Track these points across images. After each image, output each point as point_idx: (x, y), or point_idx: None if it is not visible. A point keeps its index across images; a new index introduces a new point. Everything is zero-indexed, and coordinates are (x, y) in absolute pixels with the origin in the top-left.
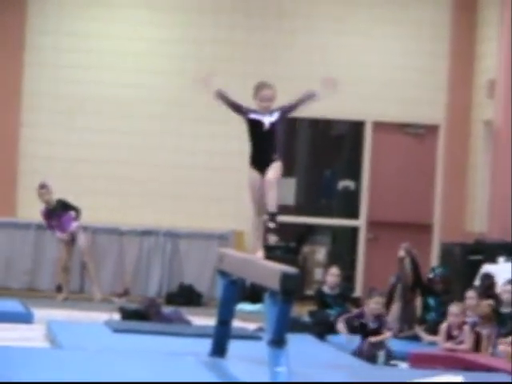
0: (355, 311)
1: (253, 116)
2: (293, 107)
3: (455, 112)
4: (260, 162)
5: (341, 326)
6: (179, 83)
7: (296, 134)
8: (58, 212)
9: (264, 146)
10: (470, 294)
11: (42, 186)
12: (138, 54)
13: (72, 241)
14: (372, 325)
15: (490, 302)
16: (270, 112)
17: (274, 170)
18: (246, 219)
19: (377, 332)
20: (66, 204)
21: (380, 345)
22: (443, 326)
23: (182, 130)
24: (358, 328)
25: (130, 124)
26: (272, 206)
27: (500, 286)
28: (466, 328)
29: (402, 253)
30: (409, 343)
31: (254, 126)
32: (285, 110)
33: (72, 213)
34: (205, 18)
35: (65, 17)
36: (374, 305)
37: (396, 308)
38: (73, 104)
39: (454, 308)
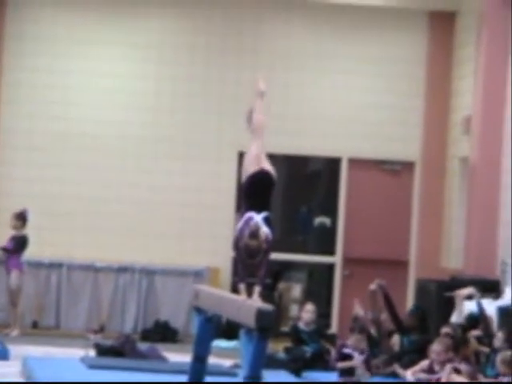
0: (424, 363)
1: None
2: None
3: (431, 149)
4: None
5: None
6: (154, 120)
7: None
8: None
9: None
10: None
11: (16, 214)
12: (114, 91)
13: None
14: (358, 357)
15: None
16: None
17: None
18: (221, 256)
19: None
20: (22, 240)
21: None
22: (425, 362)
23: (158, 167)
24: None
25: (105, 160)
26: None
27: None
28: (448, 367)
29: (373, 286)
30: (387, 380)
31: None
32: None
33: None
34: (180, 55)
35: (41, 54)
36: (356, 341)
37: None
38: (49, 141)
39: (436, 346)
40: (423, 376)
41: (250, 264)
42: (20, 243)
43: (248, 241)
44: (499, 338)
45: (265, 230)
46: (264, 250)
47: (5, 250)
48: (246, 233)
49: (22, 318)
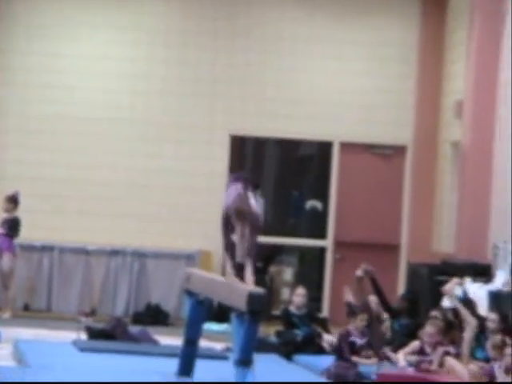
0: (342, 332)
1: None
2: None
3: (422, 133)
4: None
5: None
6: (146, 103)
7: (264, 154)
8: (6, 226)
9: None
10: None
11: (8, 197)
12: (106, 74)
13: None
14: (360, 341)
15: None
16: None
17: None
18: (213, 239)
19: (364, 348)
20: (15, 223)
21: (350, 366)
22: (415, 344)
23: (149, 150)
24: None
25: (97, 144)
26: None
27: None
28: (440, 350)
29: (359, 272)
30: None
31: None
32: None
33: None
34: (172, 39)
35: (34, 37)
36: (360, 322)
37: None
38: (41, 124)
39: (429, 328)
40: (414, 358)
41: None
42: (12, 226)
43: (238, 204)
44: (493, 319)
45: (253, 202)
46: (253, 220)
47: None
48: (235, 199)
49: (14, 301)
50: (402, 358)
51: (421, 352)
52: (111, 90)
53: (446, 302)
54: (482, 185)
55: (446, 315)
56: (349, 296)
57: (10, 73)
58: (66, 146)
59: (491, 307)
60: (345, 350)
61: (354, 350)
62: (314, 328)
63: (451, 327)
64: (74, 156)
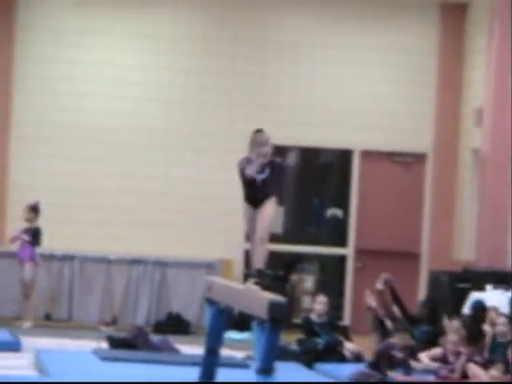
0: (384, 345)
1: (247, 174)
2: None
3: (443, 140)
4: (253, 201)
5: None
6: (166, 111)
7: (284, 162)
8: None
9: (257, 194)
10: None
11: (30, 206)
12: (124, 82)
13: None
14: (399, 355)
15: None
16: (263, 169)
17: (266, 217)
18: (234, 248)
19: (404, 361)
20: (37, 234)
21: (373, 374)
22: (438, 350)
23: (170, 158)
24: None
25: (118, 152)
26: (259, 262)
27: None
28: (463, 358)
29: (379, 285)
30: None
31: (247, 182)
32: (274, 168)
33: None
34: (192, 47)
35: (51, 45)
36: (403, 339)
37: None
38: (61, 132)
39: (452, 336)
40: (435, 365)
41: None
42: (34, 235)
43: (261, 148)
44: (502, 322)
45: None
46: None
47: (24, 240)
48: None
49: (35, 311)
50: (425, 359)
51: (443, 359)
52: (130, 98)
53: (467, 310)
54: (502, 192)
55: (468, 323)
56: (371, 300)
57: (25, 81)
58: (86, 155)
59: None
60: (382, 365)
61: (392, 363)
62: (336, 336)
63: (475, 336)
64: (95, 165)
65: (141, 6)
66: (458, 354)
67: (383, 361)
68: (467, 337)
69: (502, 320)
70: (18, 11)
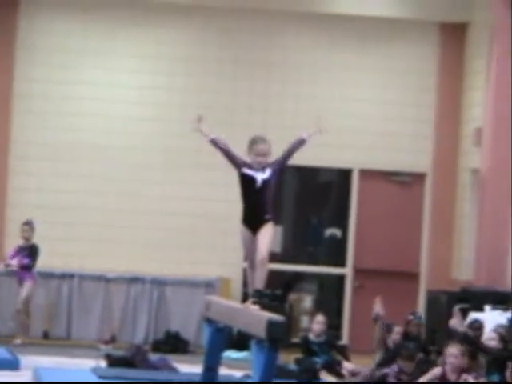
0: (436, 371)
1: (246, 171)
2: (285, 158)
3: (442, 160)
4: (252, 220)
5: None
6: (166, 131)
7: (283, 181)
8: (25, 254)
9: (256, 203)
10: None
11: (27, 223)
12: (126, 102)
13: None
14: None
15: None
16: (263, 168)
17: (266, 238)
18: (232, 266)
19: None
20: (35, 251)
21: None
22: (437, 370)
23: (169, 177)
24: None
25: (116, 171)
26: (259, 283)
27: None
28: (464, 376)
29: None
30: None
31: (247, 182)
32: (277, 164)
33: (29, 260)
34: (192, 67)
35: (53, 64)
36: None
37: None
38: (59, 151)
39: (453, 349)
40: None
41: (254, 192)
42: (32, 253)
43: (259, 145)
44: (493, 337)
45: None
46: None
47: (25, 267)
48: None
49: (28, 328)
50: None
51: (442, 378)
52: (127, 117)
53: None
54: (501, 212)
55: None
56: (379, 308)
57: (24, 100)
58: (85, 173)
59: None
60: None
61: None
62: (334, 355)
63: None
64: (92, 183)
65: (141, 27)
66: (459, 371)
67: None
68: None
69: (493, 335)
70: (18, 32)
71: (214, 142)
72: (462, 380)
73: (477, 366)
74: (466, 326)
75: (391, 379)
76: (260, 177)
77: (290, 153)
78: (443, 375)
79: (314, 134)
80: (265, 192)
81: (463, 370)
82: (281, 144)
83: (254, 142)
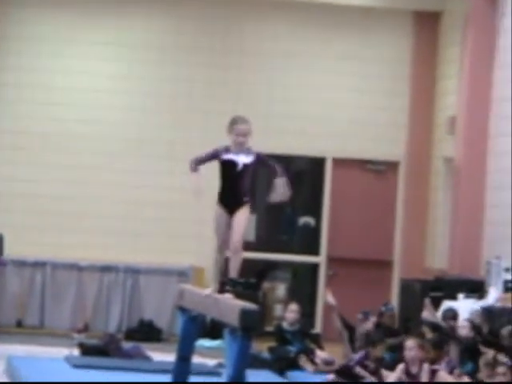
0: (359, 355)
1: (226, 157)
2: (262, 162)
3: (415, 149)
4: (229, 201)
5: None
6: (140, 120)
7: (256, 169)
8: None
9: (234, 185)
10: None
11: None
12: (99, 91)
13: None
14: (371, 365)
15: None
16: (247, 152)
17: (241, 225)
18: (205, 255)
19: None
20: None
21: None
22: (400, 366)
23: (142, 167)
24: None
25: (90, 160)
26: (234, 272)
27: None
28: (426, 366)
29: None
30: None
31: (227, 166)
32: (260, 159)
33: None
34: (165, 55)
35: (26, 53)
36: (379, 351)
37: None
38: (33, 140)
39: (409, 342)
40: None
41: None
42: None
43: (240, 125)
44: (464, 325)
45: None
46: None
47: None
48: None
49: (5, 317)
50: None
51: (406, 372)
52: (104, 106)
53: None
54: (474, 201)
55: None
56: (330, 299)
57: (1, 89)
58: (58, 162)
59: (484, 323)
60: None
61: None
62: (307, 344)
63: (442, 343)
64: (66, 172)
65: (116, 15)
66: (419, 363)
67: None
68: (434, 343)
69: (464, 324)
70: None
71: (198, 169)
72: (425, 369)
73: (446, 355)
74: (441, 315)
75: (353, 364)
76: (241, 160)
77: (264, 164)
78: (407, 368)
79: (276, 196)
80: (244, 175)
81: (422, 361)
82: (253, 132)
83: (234, 122)
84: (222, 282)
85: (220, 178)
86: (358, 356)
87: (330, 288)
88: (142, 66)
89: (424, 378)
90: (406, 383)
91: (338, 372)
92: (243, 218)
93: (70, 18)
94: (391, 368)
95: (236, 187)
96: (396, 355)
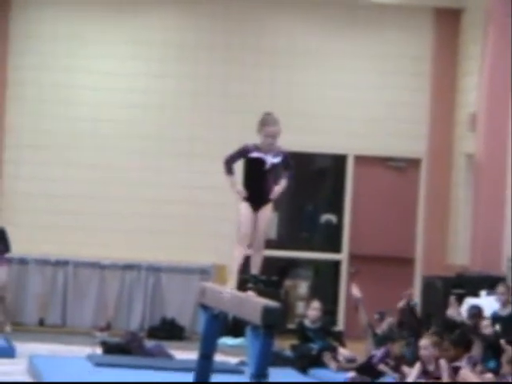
0: (381, 352)
1: (254, 155)
2: (286, 167)
3: (437, 145)
4: (255, 199)
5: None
6: (159, 118)
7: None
8: None
9: (261, 184)
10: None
11: None
12: (119, 89)
13: None
14: (391, 363)
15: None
16: (275, 153)
17: (265, 222)
18: (227, 253)
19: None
20: (2, 235)
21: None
22: (418, 365)
23: (163, 165)
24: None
25: (111, 159)
26: (255, 269)
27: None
28: (443, 362)
29: (401, 303)
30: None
31: (255, 164)
32: (286, 161)
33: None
34: (184, 53)
35: (46, 52)
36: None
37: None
38: (54, 139)
39: (423, 341)
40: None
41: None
42: (2, 238)
43: (270, 127)
44: (485, 324)
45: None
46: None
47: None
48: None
49: (28, 316)
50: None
51: (424, 372)
52: (124, 104)
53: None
54: (496, 197)
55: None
56: (356, 292)
57: (19, 88)
58: (80, 162)
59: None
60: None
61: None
62: (329, 342)
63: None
64: (89, 172)
65: (132, 13)
66: (435, 360)
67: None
68: (455, 341)
69: (485, 323)
70: (12, 20)
71: (233, 170)
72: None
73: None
74: (465, 312)
75: (376, 361)
76: (269, 160)
77: (286, 165)
78: (423, 366)
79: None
80: (271, 174)
81: (438, 358)
82: None
83: (265, 123)
84: (243, 279)
85: (246, 176)
86: (379, 353)
87: (354, 282)
88: (161, 64)
89: (444, 375)
90: (428, 383)
91: (359, 369)
92: (267, 217)
93: (88, 17)
94: (412, 364)
95: (263, 185)
96: (415, 351)
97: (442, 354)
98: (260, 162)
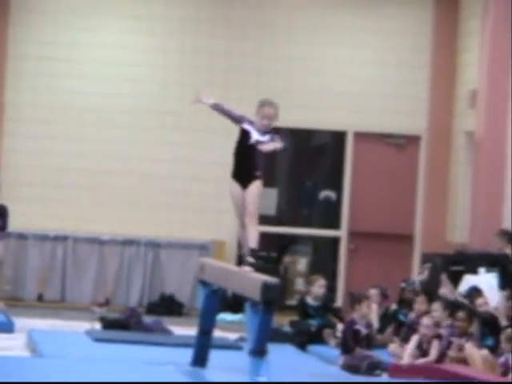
0: (347, 322)
1: (245, 126)
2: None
3: (436, 122)
4: (240, 175)
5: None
6: (160, 92)
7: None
8: None
9: (246, 159)
10: (435, 307)
11: None
12: (119, 63)
13: None
14: (364, 331)
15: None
16: (265, 132)
17: (253, 196)
18: (226, 229)
19: (368, 338)
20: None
21: (364, 356)
22: (414, 338)
23: (163, 140)
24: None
25: (110, 133)
26: (252, 241)
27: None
28: (436, 342)
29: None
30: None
31: (242, 136)
32: (273, 137)
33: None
34: (186, 28)
35: (46, 26)
36: (366, 309)
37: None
38: (53, 113)
39: (425, 320)
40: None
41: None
42: (2, 214)
43: (266, 108)
44: (480, 303)
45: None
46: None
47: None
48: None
49: (26, 291)
50: (407, 358)
51: (418, 347)
52: (124, 79)
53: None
54: (495, 174)
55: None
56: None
57: (21, 62)
58: (79, 136)
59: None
60: (348, 339)
61: (358, 339)
62: (329, 318)
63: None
64: (89, 146)
65: None
66: (430, 339)
67: (349, 337)
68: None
69: (480, 301)
70: None
71: (215, 106)
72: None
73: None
74: (463, 290)
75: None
76: (256, 136)
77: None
78: (420, 341)
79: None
80: (255, 151)
81: (436, 336)
82: None
83: (262, 104)
84: (239, 255)
85: (234, 151)
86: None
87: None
88: (163, 39)
89: (432, 352)
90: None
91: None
92: (255, 191)
93: None
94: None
95: (247, 160)
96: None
97: (458, 323)
98: (246, 135)
